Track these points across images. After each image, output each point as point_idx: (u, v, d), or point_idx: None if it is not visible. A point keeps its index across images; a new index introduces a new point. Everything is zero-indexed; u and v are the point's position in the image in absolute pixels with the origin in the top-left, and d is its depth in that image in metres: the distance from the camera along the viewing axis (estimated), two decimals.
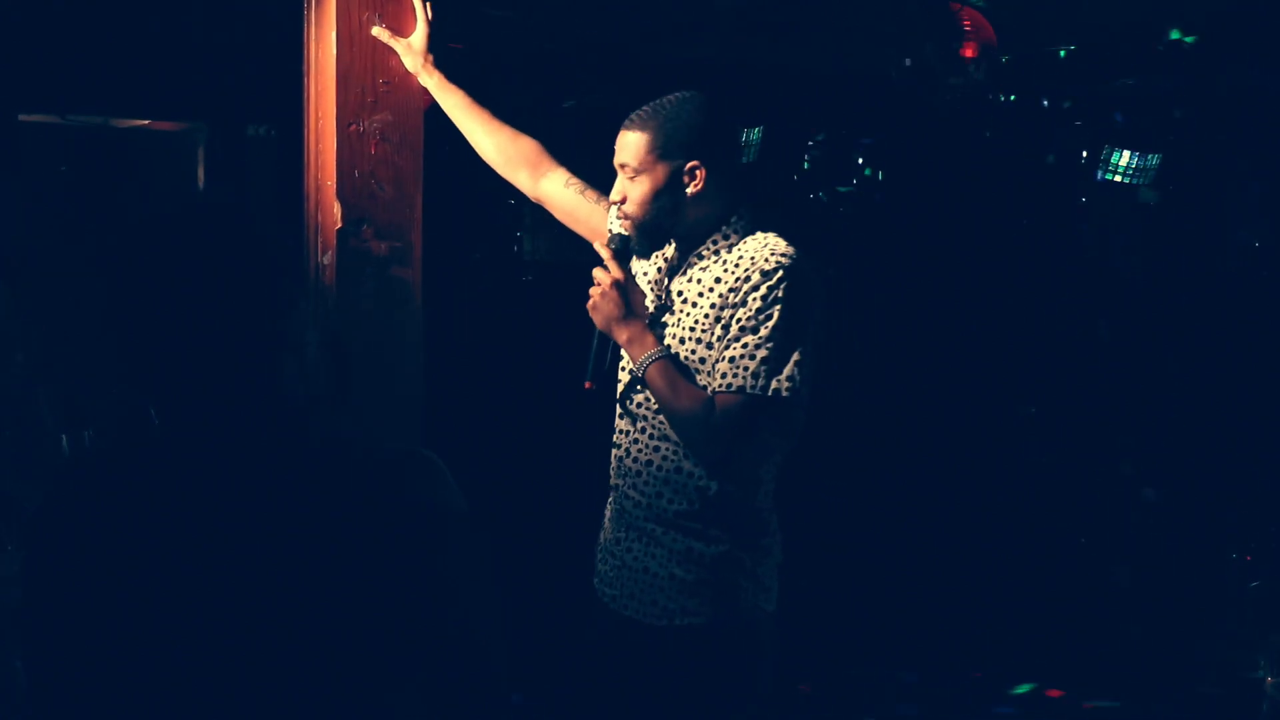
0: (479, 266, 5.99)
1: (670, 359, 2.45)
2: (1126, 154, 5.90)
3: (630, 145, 2.48)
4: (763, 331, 2.38)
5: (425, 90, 2.79)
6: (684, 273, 2.53)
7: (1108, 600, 5.88)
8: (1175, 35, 5.42)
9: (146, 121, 5.45)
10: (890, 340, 6.54)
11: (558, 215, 2.81)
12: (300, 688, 1.42)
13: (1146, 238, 6.42)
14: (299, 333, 1.48)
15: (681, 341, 2.48)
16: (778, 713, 2.64)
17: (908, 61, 4.81)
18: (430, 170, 2.81)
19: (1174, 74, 5.65)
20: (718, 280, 2.46)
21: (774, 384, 2.37)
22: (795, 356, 2.38)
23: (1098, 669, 5.31)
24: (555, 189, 2.78)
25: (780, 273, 2.39)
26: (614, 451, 2.59)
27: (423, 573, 1.46)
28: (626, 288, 2.51)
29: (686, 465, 2.45)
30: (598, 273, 2.52)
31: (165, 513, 1.42)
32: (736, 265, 2.44)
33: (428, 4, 2.78)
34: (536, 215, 5.49)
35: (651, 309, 2.55)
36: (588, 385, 2.55)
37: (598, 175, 2.76)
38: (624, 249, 2.55)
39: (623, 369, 2.59)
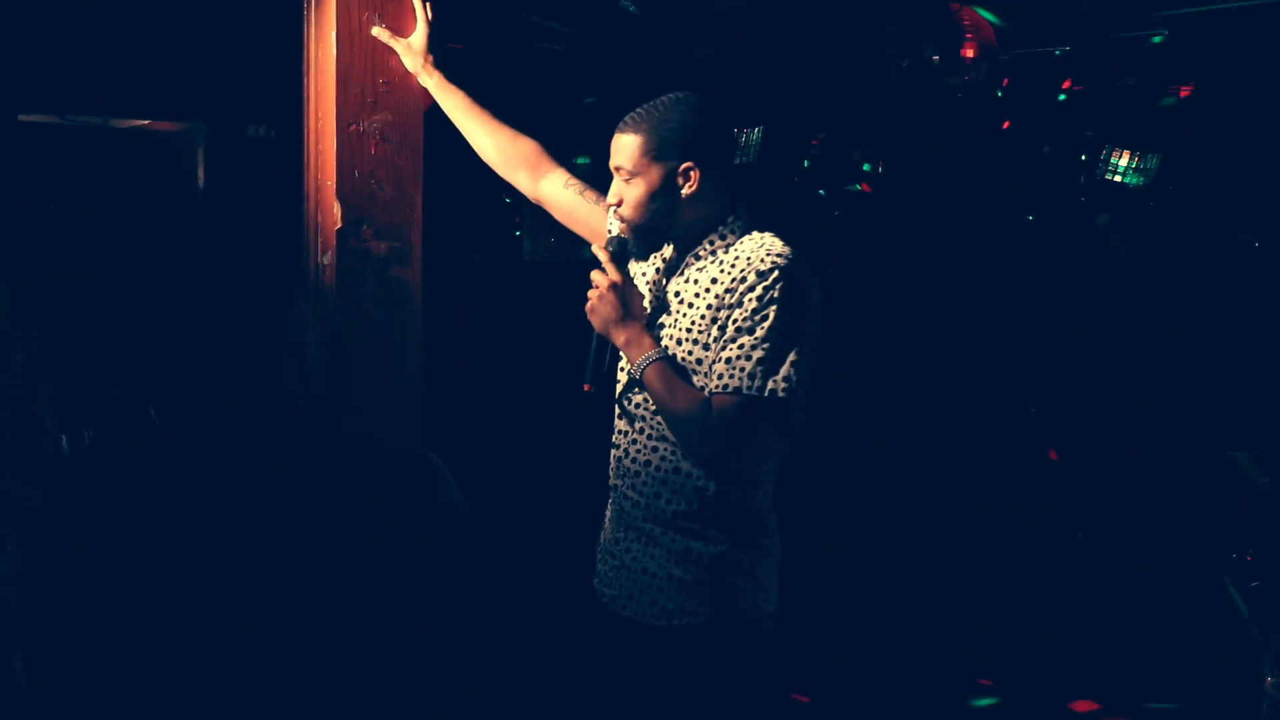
0: (479, 266, 5.99)
1: (668, 360, 2.46)
2: (1126, 154, 5.90)
3: (624, 148, 2.48)
4: (759, 332, 2.38)
5: (425, 90, 2.79)
6: (681, 273, 2.53)
7: (1107, 600, 5.88)
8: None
9: (146, 122, 5.45)
10: (890, 340, 6.54)
11: (557, 216, 2.81)
12: (301, 687, 1.42)
13: (1146, 238, 6.42)
14: (299, 333, 1.48)
15: (679, 343, 2.48)
16: (778, 713, 2.64)
17: (905, 62, 4.81)
18: (430, 170, 2.81)
19: (1175, 74, 5.66)
20: (714, 281, 2.46)
21: (770, 384, 2.37)
22: (792, 357, 2.38)
23: (1097, 669, 5.31)
24: (555, 189, 2.78)
25: (776, 273, 2.39)
26: (613, 452, 2.59)
27: (423, 572, 1.46)
28: (624, 290, 2.51)
29: (685, 466, 2.45)
30: (595, 275, 2.53)
31: (165, 513, 1.42)
32: (733, 266, 2.44)
33: (428, 4, 2.78)
34: (536, 215, 5.49)
35: (649, 310, 2.55)
36: (586, 388, 2.56)
37: (598, 176, 2.76)
38: (621, 251, 2.55)
39: (621, 370, 2.59)
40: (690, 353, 2.46)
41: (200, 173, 5.49)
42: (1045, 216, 6.50)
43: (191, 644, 1.40)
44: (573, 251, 2.84)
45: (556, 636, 3.51)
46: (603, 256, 2.53)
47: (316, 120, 2.77)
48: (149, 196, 5.57)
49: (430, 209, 2.81)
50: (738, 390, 2.37)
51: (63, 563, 1.43)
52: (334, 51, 2.71)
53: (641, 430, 2.52)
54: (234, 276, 1.44)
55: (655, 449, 2.49)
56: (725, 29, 5.15)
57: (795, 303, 2.39)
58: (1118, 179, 5.91)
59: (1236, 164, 6.23)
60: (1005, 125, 6.09)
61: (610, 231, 2.59)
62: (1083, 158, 6.07)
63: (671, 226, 2.50)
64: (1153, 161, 5.87)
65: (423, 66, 2.76)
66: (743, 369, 2.38)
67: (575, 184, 2.77)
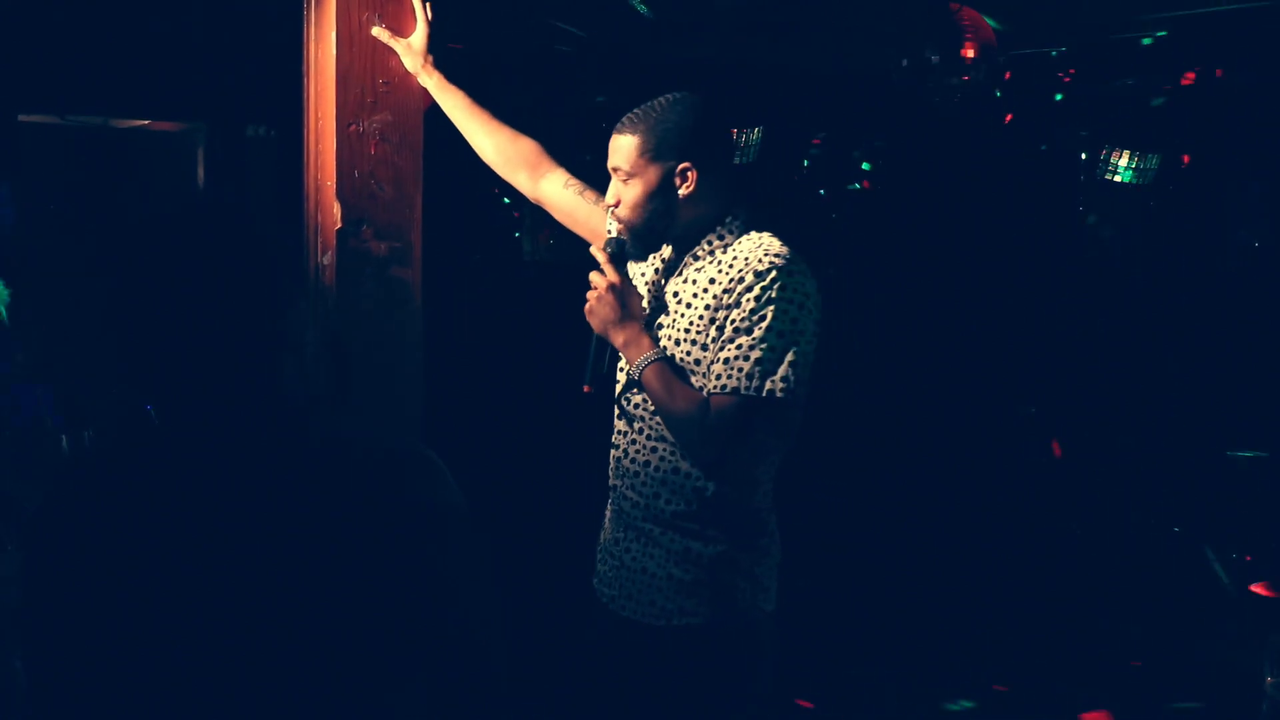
0: (479, 267, 5.99)
1: (666, 361, 2.46)
2: (1126, 154, 5.90)
3: (622, 148, 2.48)
4: (756, 332, 2.37)
5: (425, 90, 2.79)
6: (679, 274, 2.53)
7: (1107, 600, 5.88)
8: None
9: (146, 122, 5.46)
10: (890, 340, 6.55)
11: (557, 216, 2.81)
12: (301, 687, 1.42)
13: (1146, 238, 6.42)
14: (299, 333, 1.48)
15: (677, 343, 2.48)
16: (778, 713, 2.64)
17: (905, 62, 4.81)
18: (430, 170, 2.81)
19: (1174, 74, 5.66)
20: (712, 281, 2.46)
21: (768, 385, 2.37)
22: (790, 357, 2.38)
23: (1097, 669, 5.31)
24: (555, 190, 2.78)
25: (774, 273, 2.38)
26: (612, 452, 2.59)
27: (423, 571, 1.46)
28: (622, 291, 2.51)
29: (684, 466, 2.45)
30: (594, 276, 2.53)
31: (165, 512, 1.42)
32: (730, 266, 2.44)
33: (427, 4, 2.78)
34: (535, 215, 5.50)
35: (647, 311, 2.55)
36: (586, 389, 2.56)
37: (597, 176, 2.76)
38: (620, 252, 2.55)
39: (621, 370, 2.59)
40: (688, 353, 2.46)
41: (200, 173, 5.49)
42: (1045, 216, 6.50)
43: (191, 644, 1.40)
44: (572, 251, 2.84)
45: (556, 636, 3.51)
46: (601, 257, 2.53)
47: (316, 120, 2.77)
48: (149, 197, 5.57)
49: (430, 209, 2.81)
50: (735, 390, 2.37)
51: (63, 563, 1.43)
52: (334, 52, 2.70)
53: (641, 431, 2.52)
54: (234, 277, 1.44)
55: (654, 449, 2.49)
56: (725, 29, 5.16)
57: (793, 303, 2.39)
58: (1117, 179, 5.91)
59: (1236, 164, 6.23)
60: (1008, 118, 6.08)
61: (609, 232, 2.59)
62: (1083, 157, 6.07)
63: (669, 227, 2.50)
64: (1152, 161, 5.87)
65: (422, 67, 2.76)
66: (740, 369, 2.37)
67: (575, 184, 2.77)
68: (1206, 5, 4.94)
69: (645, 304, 2.56)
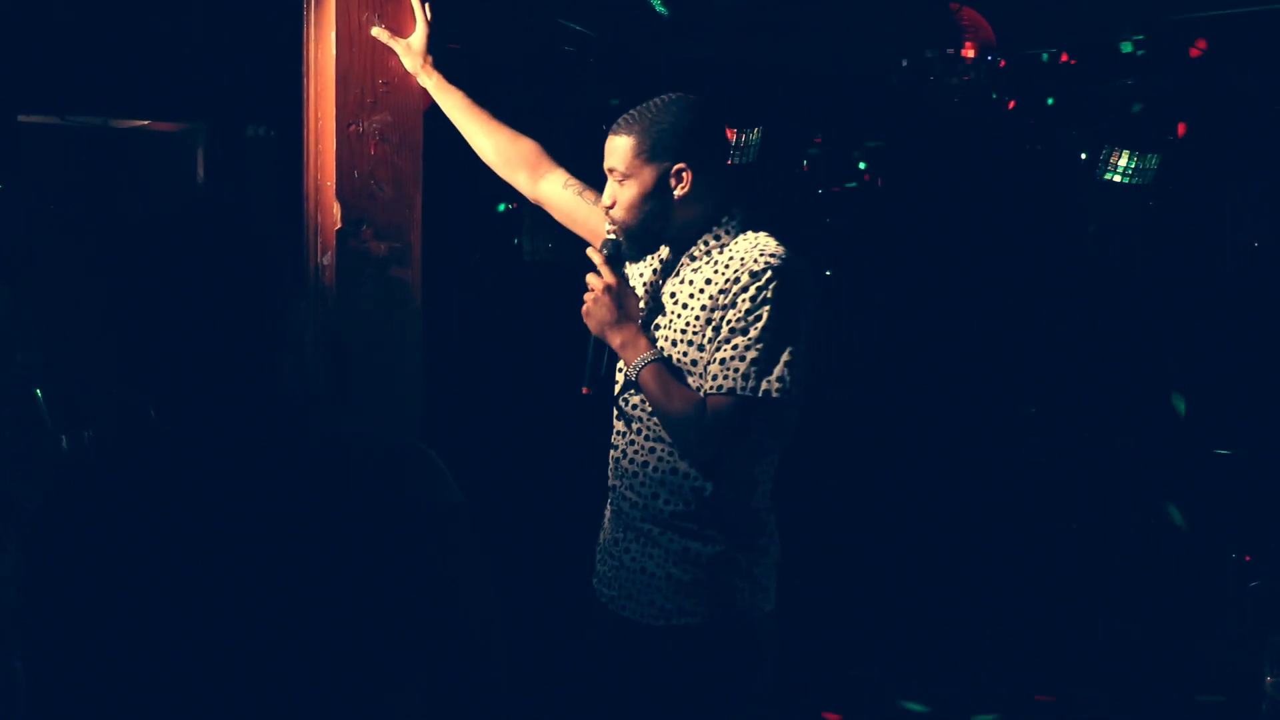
0: (478, 267, 5.99)
1: (663, 362, 2.46)
2: (1125, 154, 5.90)
3: (617, 150, 2.48)
4: (752, 333, 2.38)
5: (425, 91, 2.79)
6: (676, 274, 2.53)
7: (1107, 600, 5.88)
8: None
9: (146, 122, 5.46)
10: (890, 340, 6.54)
11: (557, 216, 2.81)
12: (301, 687, 1.42)
13: (1146, 238, 6.42)
14: (298, 333, 1.48)
15: (674, 344, 2.48)
16: (778, 713, 2.64)
17: (904, 62, 4.81)
18: (430, 171, 2.81)
19: (1174, 74, 5.66)
20: (708, 281, 2.46)
21: (764, 385, 2.37)
22: (785, 357, 2.38)
23: (1097, 669, 5.31)
24: (554, 190, 2.78)
25: (769, 273, 2.39)
26: (611, 453, 2.60)
27: (423, 571, 1.46)
28: (619, 292, 2.51)
29: (682, 466, 2.45)
30: (590, 278, 2.53)
31: (165, 512, 1.42)
32: (726, 266, 2.44)
33: (427, 5, 2.78)
34: (535, 215, 5.49)
35: (644, 311, 2.55)
36: (584, 390, 2.56)
37: (597, 176, 2.76)
38: (616, 254, 2.55)
39: (620, 371, 2.59)
40: (685, 354, 2.46)
41: (200, 173, 5.49)
42: (1045, 216, 6.49)
43: (192, 644, 1.40)
44: (572, 252, 2.84)
45: (556, 637, 3.51)
46: (597, 259, 2.54)
47: (316, 121, 2.77)
48: (149, 197, 5.57)
49: (430, 209, 2.81)
50: (732, 391, 2.37)
51: (62, 563, 1.43)
52: (333, 52, 2.71)
53: (639, 431, 2.52)
54: (234, 277, 1.45)
55: (652, 450, 2.49)
56: (725, 29, 5.15)
57: (789, 303, 2.39)
58: (1117, 179, 5.91)
59: (1236, 164, 6.23)
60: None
61: (608, 233, 2.59)
62: (1083, 157, 6.07)
63: (665, 228, 2.50)
64: (1152, 161, 5.87)
65: (422, 67, 2.76)
66: (737, 370, 2.37)
67: (575, 184, 2.77)
68: (1209, 9, 4.94)
69: (642, 305, 2.56)
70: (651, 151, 2.45)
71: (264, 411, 1.46)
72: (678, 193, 2.47)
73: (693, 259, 2.51)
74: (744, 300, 2.38)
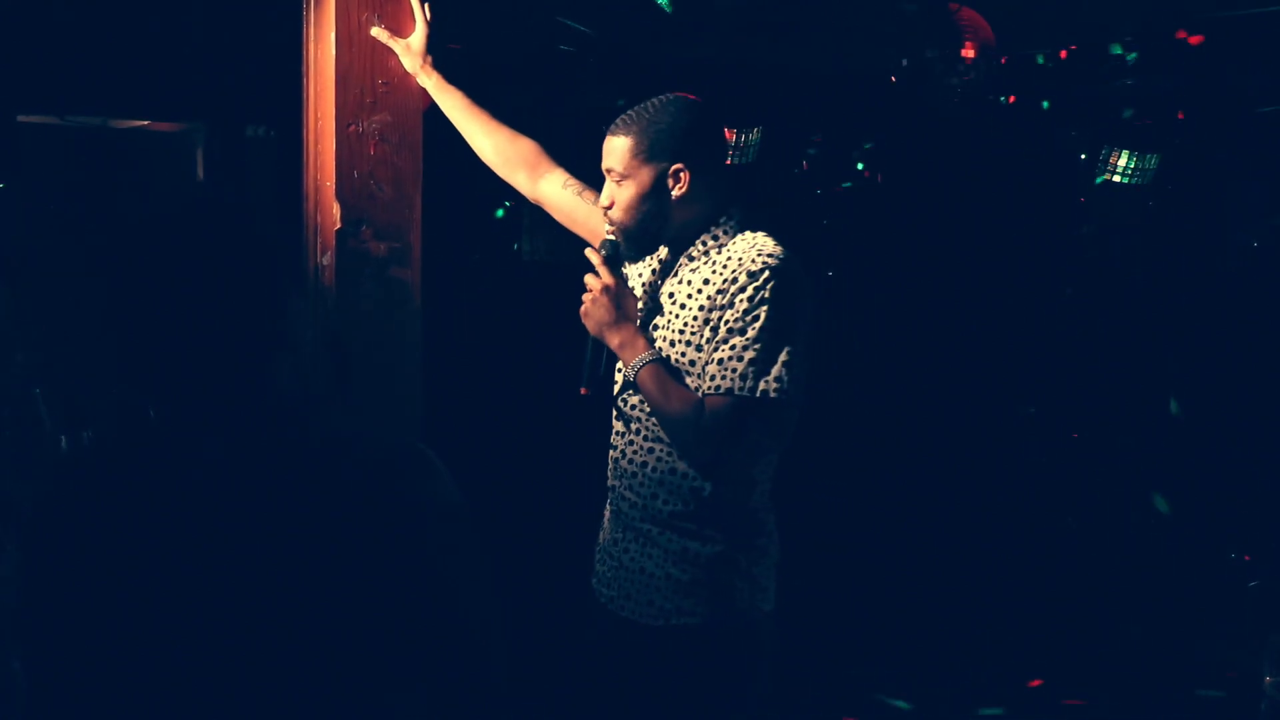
0: (478, 267, 5.99)
1: (661, 362, 2.46)
2: (1125, 154, 5.90)
3: (615, 150, 2.48)
4: (750, 333, 2.38)
5: (424, 91, 2.79)
6: (674, 274, 2.53)
7: (1107, 600, 5.88)
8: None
9: (145, 122, 5.45)
10: (890, 340, 6.54)
11: (556, 216, 2.81)
12: (300, 686, 1.42)
13: (1146, 238, 6.42)
14: (298, 333, 1.48)
15: (672, 344, 2.48)
16: (778, 712, 2.64)
17: (904, 62, 4.81)
18: (429, 171, 2.81)
19: (1174, 74, 5.66)
20: (706, 282, 2.46)
21: (762, 385, 2.37)
22: (783, 357, 2.38)
23: (1096, 669, 5.31)
24: (554, 190, 2.78)
25: (766, 273, 2.39)
26: (610, 453, 2.60)
27: (422, 569, 1.46)
28: (618, 293, 2.51)
29: (680, 466, 2.45)
30: (589, 279, 2.53)
31: (164, 512, 1.42)
32: (724, 267, 2.44)
33: (426, 5, 2.78)
34: (534, 216, 5.49)
35: (643, 312, 2.55)
36: (583, 391, 2.56)
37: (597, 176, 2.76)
38: (615, 254, 2.56)
39: (619, 371, 2.59)
40: (683, 354, 2.46)
41: (199, 173, 5.49)
42: (1045, 216, 6.49)
43: (190, 644, 1.40)
44: (571, 252, 2.84)
45: (555, 637, 3.51)
46: (595, 260, 2.54)
47: (316, 121, 2.77)
48: (148, 197, 5.57)
49: (429, 210, 2.81)
50: (730, 391, 2.37)
51: (61, 563, 1.43)
52: (333, 52, 2.71)
53: (638, 432, 2.52)
54: (233, 277, 1.44)
55: (651, 450, 2.49)
56: (725, 29, 5.15)
57: (786, 303, 2.39)
58: (1116, 179, 5.91)
59: (1236, 164, 6.23)
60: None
61: (607, 234, 2.60)
62: (1082, 157, 6.07)
63: (663, 228, 2.50)
64: (1151, 162, 5.87)
65: (421, 67, 2.76)
66: (734, 370, 2.37)
67: (574, 184, 2.77)
68: (1209, 11, 4.94)
69: (640, 305, 2.56)
70: (649, 152, 2.45)
71: (263, 411, 1.46)
72: (675, 193, 2.47)
73: (691, 259, 2.51)
74: (741, 300, 2.38)
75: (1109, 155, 5.90)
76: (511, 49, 5.51)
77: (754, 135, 5.87)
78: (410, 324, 2.78)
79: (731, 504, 2.45)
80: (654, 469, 2.48)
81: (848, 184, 6.48)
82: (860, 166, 6.47)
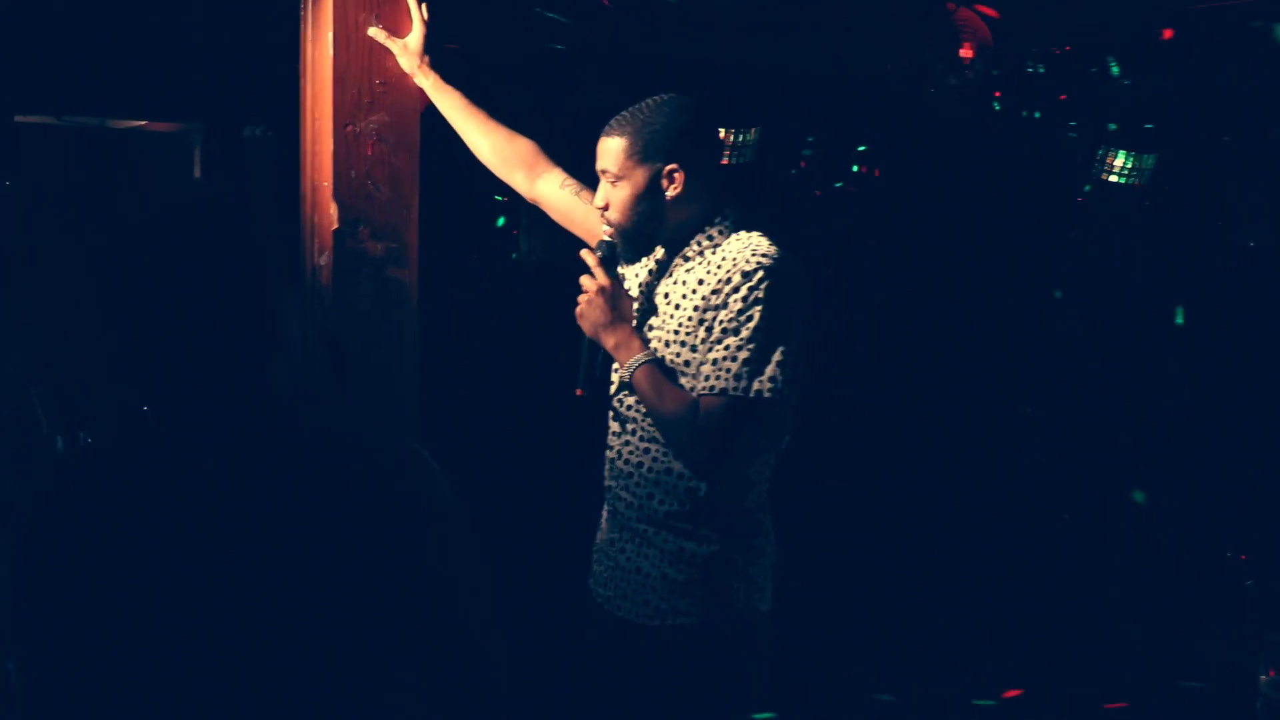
0: (475, 267, 5.99)
1: (656, 363, 2.46)
2: (1123, 154, 5.90)
3: (609, 151, 2.48)
4: (744, 333, 2.37)
5: (422, 91, 2.79)
6: (669, 275, 2.53)
7: (1106, 600, 5.88)
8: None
9: (143, 122, 5.45)
10: (889, 340, 6.54)
11: (554, 216, 2.81)
12: (298, 687, 1.42)
13: (1146, 238, 6.43)
14: (295, 333, 1.48)
15: (667, 345, 2.48)
16: (775, 713, 2.64)
17: (904, 61, 4.81)
18: (427, 171, 2.81)
19: (1174, 74, 5.66)
20: (701, 282, 2.46)
21: (756, 385, 2.37)
22: (777, 357, 2.38)
23: (1096, 669, 5.31)
24: (551, 190, 2.78)
25: (760, 273, 2.38)
26: (607, 454, 2.60)
27: (420, 569, 1.46)
28: (613, 294, 2.51)
29: (676, 466, 2.45)
30: (584, 280, 2.53)
31: (160, 512, 1.41)
32: (719, 267, 2.44)
33: (424, 5, 2.78)
34: (532, 215, 5.49)
35: (638, 312, 2.55)
36: (579, 392, 2.56)
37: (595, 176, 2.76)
38: (610, 255, 2.56)
39: (615, 372, 2.59)
40: (678, 354, 2.46)
41: (197, 173, 5.48)
42: (1045, 216, 6.49)
43: (187, 644, 1.40)
44: (568, 252, 2.84)
45: (553, 637, 3.51)
46: (591, 260, 2.54)
47: (313, 121, 2.77)
48: (146, 197, 5.56)
49: (427, 210, 2.81)
50: (724, 391, 2.37)
51: (56, 563, 1.42)
52: (331, 52, 2.70)
53: (634, 432, 2.52)
54: (231, 277, 1.44)
55: (647, 450, 2.49)
56: (725, 29, 5.15)
57: (780, 303, 2.39)
58: (1114, 179, 5.91)
59: (1236, 164, 6.23)
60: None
61: (603, 234, 2.60)
62: (1080, 158, 6.07)
63: (659, 229, 2.50)
64: (1148, 161, 5.88)
65: (419, 67, 2.76)
66: (728, 370, 2.37)
67: (572, 184, 2.77)
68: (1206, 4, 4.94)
69: (636, 306, 2.56)
70: (644, 152, 2.45)
71: (260, 411, 1.46)
72: (670, 193, 2.47)
73: (686, 259, 2.51)
74: (735, 300, 2.38)
75: (1105, 155, 5.90)
76: (509, 49, 5.51)
77: (752, 135, 5.87)
78: (407, 324, 2.78)
79: (727, 504, 2.45)
80: (650, 469, 2.48)
81: (838, 184, 6.47)
82: (855, 169, 6.47)
